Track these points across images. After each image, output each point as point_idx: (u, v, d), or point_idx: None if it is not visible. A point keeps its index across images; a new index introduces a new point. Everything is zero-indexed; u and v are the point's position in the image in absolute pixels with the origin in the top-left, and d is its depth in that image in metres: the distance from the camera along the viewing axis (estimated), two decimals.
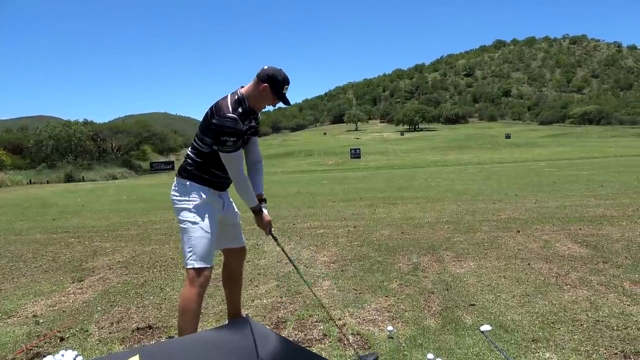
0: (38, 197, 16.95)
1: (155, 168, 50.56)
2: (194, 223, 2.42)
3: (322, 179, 19.71)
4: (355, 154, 52.17)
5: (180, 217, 2.46)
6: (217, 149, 2.37)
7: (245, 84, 2.49)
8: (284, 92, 2.42)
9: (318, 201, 9.90)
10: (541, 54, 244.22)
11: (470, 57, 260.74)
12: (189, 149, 2.56)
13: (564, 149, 49.14)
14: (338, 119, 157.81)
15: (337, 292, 3.54)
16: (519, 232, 5.43)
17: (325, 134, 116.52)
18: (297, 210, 8.32)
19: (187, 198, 2.45)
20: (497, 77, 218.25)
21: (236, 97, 2.41)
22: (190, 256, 2.39)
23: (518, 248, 4.66)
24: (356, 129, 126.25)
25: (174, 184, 2.54)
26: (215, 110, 2.36)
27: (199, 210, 2.44)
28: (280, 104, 2.51)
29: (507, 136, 73.71)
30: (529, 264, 4.06)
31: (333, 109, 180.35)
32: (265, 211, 2.70)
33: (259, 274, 4.18)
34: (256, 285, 3.82)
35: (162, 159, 59.71)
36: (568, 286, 3.44)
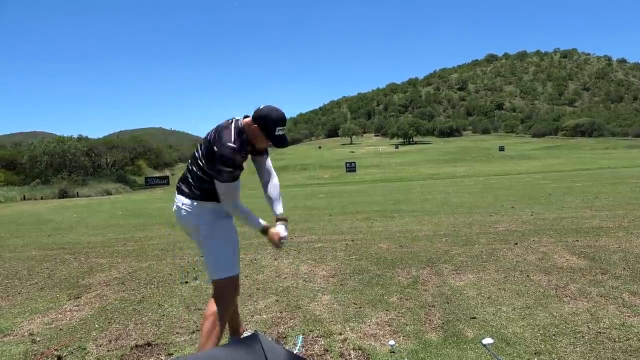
0: (32, 213, 16.81)
1: (150, 183, 50.41)
2: None
3: (318, 193, 19.71)
4: (351, 167, 52.33)
5: None
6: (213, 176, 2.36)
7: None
8: (276, 133, 2.36)
9: (315, 215, 9.88)
10: (533, 68, 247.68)
11: (463, 71, 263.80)
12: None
13: (558, 161, 49.51)
14: (333, 133, 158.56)
15: (337, 307, 3.52)
16: (516, 244, 5.44)
17: (320, 147, 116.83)
18: (294, 224, 8.30)
19: None
20: (489, 91, 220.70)
21: (238, 126, 2.39)
22: None
23: (517, 260, 4.67)
24: (351, 143, 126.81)
25: None
26: (218, 137, 2.34)
27: None
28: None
29: (501, 149, 74.24)
30: (528, 276, 4.06)
31: (328, 122, 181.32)
32: (278, 228, 2.58)
33: (257, 289, 4.15)
34: (255, 301, 3.79)
35: (157, 174, 59.60)
36: (568, 298, 3.45)
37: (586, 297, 3.43)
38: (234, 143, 2.30)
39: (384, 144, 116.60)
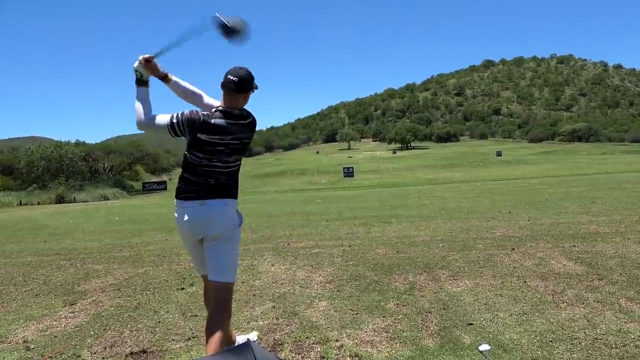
0: (29, 218, 16.75)
1: (147, 188, 50.31)
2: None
3: (315, 198, 19.70)
4: (348, 172, 52.36)
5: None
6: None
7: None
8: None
9: (312, 220, 9.87)
10: (529, 73, 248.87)
11: (461, 76, 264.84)
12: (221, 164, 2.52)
13: (555, 166, 49.66)
14: (331, 138, 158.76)
15: (333, 313, 3.50)
16: (513, 249, 5.44)
17: (318, 152, 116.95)
18: (292, 230, 8.28)
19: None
20: (487, 96, 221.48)
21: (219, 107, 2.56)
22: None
23: (513, 266, 4.67)
24: (349, 148, 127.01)
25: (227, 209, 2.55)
26: (241, 116, 2.54)
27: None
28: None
29: (498, 154, 74.46)
30: (525, 282, 4.06)
31: (325, 128, 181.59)
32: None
33: (254, 295, 4.13)
34: (251, 307, 3.78)
35: (154, 179, 59.48)
36: (565, 304, 3.44)
37: (583, 303, 3.43)
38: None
39: (381, 149, 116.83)
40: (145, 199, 37.79)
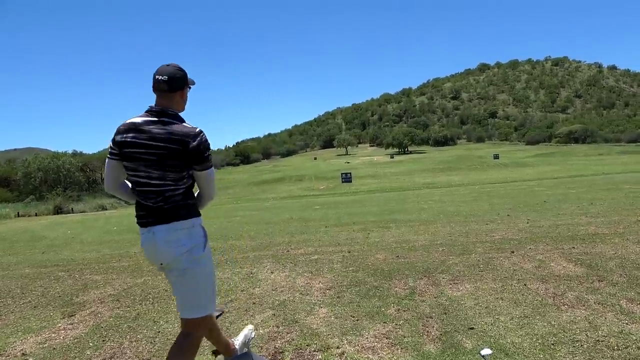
0: (26, 230, 16.67)
1: None
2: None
3: (314, 204, 19.68)
4: (347, 178, 52.32)
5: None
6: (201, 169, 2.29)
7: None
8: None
9: (311, 226, 9.85)
10: (525, 76, 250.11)
11: (456, 80, 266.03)
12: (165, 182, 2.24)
13: (552, 168, 49.76)
14: (328, 144, 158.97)
15: (334, 320, 3.49)
16: (513, 252, 5.43)
17: (315, 158, 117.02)
18: (291, 236, 8.26)
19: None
20: (482, 100, 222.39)
21: (168, 112, 2.29)
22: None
23: (513, 269, 4.66)
24: (346, 153, 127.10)
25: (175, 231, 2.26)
26: (182, 131, 2.21)
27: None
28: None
29: (496, 157, 74.62)
30: (525, 285, 4.05)
31: (323, 134, 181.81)
32: None
33: (253, 303, 4.11)
34: (252, 315, 3.76)
35: None
36: (565, 306, 3.43)
37: (584, 305, 3.43)
38: (195, 126, 2.27)
39: (379, 154, 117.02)
40: None
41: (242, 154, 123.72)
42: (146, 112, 2.27)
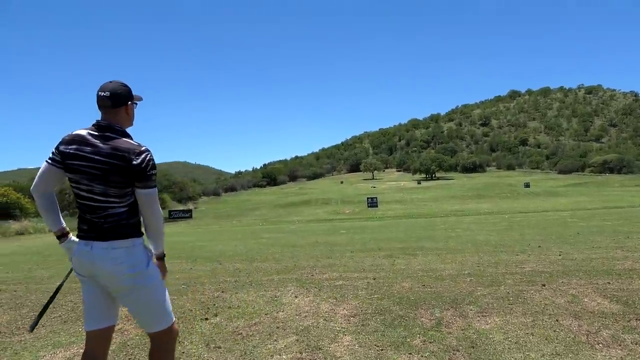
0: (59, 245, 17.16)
1: (173, 216, 51.09)
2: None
3: (339, 228, 19.60)
4: (372, 202, 52.02)
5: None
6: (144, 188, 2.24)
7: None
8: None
9: (336, 251, 9.81)
10: (557, 104, 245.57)
11: (486, 107, 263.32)
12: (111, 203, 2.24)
13: (586, 199, 48.23)
14: (355, 168, 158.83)
15: (358, 348, 3.44)
16: (544, 285, 5.27)
17: (342, 182, 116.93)
18: (316, 261, 8.24)
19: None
20: (513, 127, 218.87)
21: (116, 128, 2.29)
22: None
23: (545, 303, 4.51)
24: (373, 178, 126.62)
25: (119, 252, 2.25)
26: (125, 149, 2.20)
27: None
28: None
29: (526, 185, 72.90)
30: (557, 320, 3.91)
31: (350, 157, 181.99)
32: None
33: (277, 327, 4.10)
34: (275, 340, 3.75)
35: (180, 207, 60.53)
36: (600, 345, 3.29)
37: (620, 345, 3.28)
38: (141, 144, 2.26)
39: (406, 179, 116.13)
40: (171, 226, 38.27)
41: (269, 176, 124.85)
42: (93, 125, 2.27)
